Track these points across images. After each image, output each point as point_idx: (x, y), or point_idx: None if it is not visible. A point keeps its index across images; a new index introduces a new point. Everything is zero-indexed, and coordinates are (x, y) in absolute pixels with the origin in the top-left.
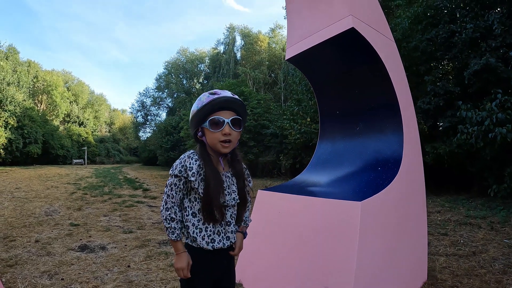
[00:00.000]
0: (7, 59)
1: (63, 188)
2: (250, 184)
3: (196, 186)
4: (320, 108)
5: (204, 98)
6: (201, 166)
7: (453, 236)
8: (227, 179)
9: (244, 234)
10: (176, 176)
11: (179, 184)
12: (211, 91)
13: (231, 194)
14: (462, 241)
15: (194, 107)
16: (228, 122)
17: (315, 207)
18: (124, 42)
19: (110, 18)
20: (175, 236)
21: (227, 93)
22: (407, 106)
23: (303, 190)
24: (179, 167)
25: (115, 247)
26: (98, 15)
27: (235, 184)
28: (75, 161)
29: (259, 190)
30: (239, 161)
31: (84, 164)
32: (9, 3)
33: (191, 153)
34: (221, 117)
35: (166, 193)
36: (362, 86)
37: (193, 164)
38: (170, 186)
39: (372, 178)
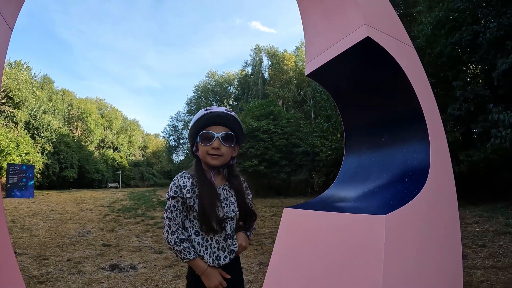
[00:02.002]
0: (42, 89)
1: (97, 211)
2: (249, 197)
3: (192, 204)
4: (344, 122)
5: (198, 114)
6: (194, 183)
7: (492, 247)
8: (224, 192)
9: (248, 235)
10: (173, 197)
11: (178, 206)
12: (207, 107)
13: (229, 206)
14: (501, 252)
15: (190, 123)
16: (218, 137)
17: (340, 223)
18: (155, 68)
19: (140, 46)
20: (193, 255)
21: (221, 109)
22: (432, 113)
23: (328, 206)
24: (174, 188)
25: (144, 267)
26: (128, 43)
27: (233, 196)
28: (110, 184)
29: (284, 208)
30: (236, 176)
31: (119, 187)
32: (43, 36)
33: (183, 172)
34: (211, 132)
35: (167, 217)
36: (384, 96)
37: (186, 182)
38: (169, 209)
39: (399, 190)
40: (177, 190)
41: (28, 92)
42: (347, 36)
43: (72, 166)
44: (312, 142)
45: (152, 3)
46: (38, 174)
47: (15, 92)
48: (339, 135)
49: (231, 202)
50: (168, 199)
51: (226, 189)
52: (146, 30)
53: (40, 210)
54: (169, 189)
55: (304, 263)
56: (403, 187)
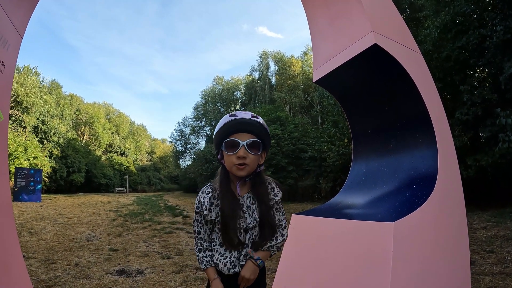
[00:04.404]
0: (50, 93)
1: (104, 215)
2: (276, 198)
3: (212, 218)
4: (352, 128)
5: (223, 120)
6: (215, 196)
7: (500, 253)
8: (247, 200)
9: (258, 263)
10: (196, 212)
11: (201, 220)
12: (232, 112)
13: (251, 215)
14: (509, 258)
15: (215, 130)
16: (244, 145)
17: (348, 230)
18: (162, 74)
19: (147, 51)
20: (204, 264)
21: (247, 115)
22: (440, 119)
23: (337, 213)
24: (196, 203)
25: (152, 272)
26: (136, 49)
27: (256, 204)
28: (117, 189)
29: (293, 215)
30: (261, 183)
31: (126, 192)
32: (51, 41)
33: (206, 186)
34: (236, 139)
35: (193, 229)
36: (391, 102)
37: (205, 198)
38: (194, 223)
39: (407, 196)
40: (199, 205)
41: (37, 97)
42: (355, 43)
43: (80, 170)
44: (319, 147)
45: (159, 9)
46: (45, 178)
47: (23, 96)
48: (346, 141)
49: (253, 210)
50: (194, 212)
51: (250, 197)
52: (153, 35)
53: (47, 214)
54: (195, 202)
55: (312, 269)
56: (411, 193)
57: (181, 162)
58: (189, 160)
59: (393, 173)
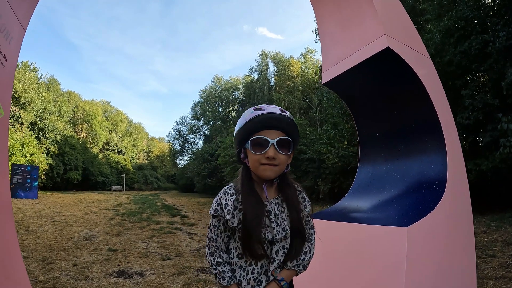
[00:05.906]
0: (48, 90)
1: (102, 214)
2: (307, 210)
3: (234, 224)
4: (359, 131)
5: (248, 114)
6: (239, 199)
7: (502, 258)
8: (275, 207)
9: (282, 285)
10: (213, 216)
11: (219, 225)
12: (257, 106)
13: (279, 225)
14: (511, 263)
15: (237, 125)
16: (273, 143)
17: (360, 234)
18: (163, 73)
19: (148, 51)
20: (227, 281)
21: (275, 109)
22: (449, 124)
23: (345, 216)
24: (215, 206)
25: (153, 274)
26: (137, 48)
27: (286, 211)
28: (114, 187)
29: None
30: (289, 185)
31: (123, 190)
32: (52, 38)
33: (228, 187)
34: (265, 137)
35: (208, 236)
36: (401, 106)
37: (228, 200)
38: (210, 228)
39: (417, 201)
40: (218, 208)
41: (34, 93)
42: (366, 46)
43: (77, 168)
44: (318, 149)
45: (161, 9)
46: (42, 175)
47: (21, 92)
48: (346, 143)
49: (282, 219)
50: (210, 216)
51: (279, 203)
52: (154, 35)
53: (44, 211)
54: (212, 204)
55: (321, 275)
56: (421, 198)
57: (178, 161)
58: (187, 160)
59: (401, 177)
